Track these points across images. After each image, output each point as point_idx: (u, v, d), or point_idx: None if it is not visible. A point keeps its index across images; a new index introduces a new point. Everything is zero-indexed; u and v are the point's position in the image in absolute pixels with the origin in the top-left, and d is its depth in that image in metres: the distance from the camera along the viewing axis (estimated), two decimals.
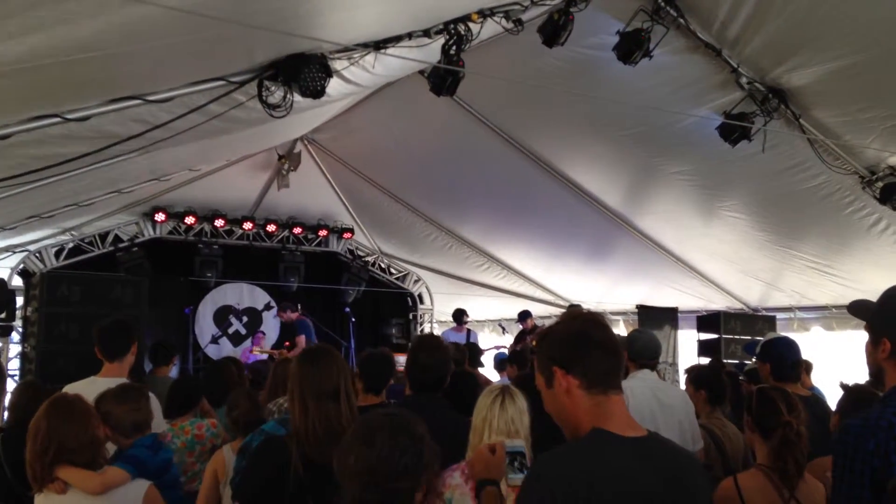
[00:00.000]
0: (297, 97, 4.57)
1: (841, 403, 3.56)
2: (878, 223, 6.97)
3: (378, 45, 4.69)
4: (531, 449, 2.57)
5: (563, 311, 11.51)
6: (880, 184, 6.33)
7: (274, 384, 4.13)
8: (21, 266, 10.02)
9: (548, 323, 10.69)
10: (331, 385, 2.73)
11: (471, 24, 5.04)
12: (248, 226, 12.06)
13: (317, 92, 4.52)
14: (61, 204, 7.80)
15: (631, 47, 5.47)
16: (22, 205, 6.56)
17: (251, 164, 10.16)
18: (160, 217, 11.14)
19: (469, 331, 11.57)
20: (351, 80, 4.90)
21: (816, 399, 4.26)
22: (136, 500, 2.98)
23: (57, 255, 10.44)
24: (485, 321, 14.51)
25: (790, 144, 6.37)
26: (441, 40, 5.02)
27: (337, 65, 4.65)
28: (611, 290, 11.57)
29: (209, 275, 11.88)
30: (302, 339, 10.10)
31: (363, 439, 1.93)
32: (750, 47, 5.55)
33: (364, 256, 13.68)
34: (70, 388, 3.77)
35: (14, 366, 8.98)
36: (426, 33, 4.92)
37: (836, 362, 8.22)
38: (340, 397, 2.73)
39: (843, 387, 3.72)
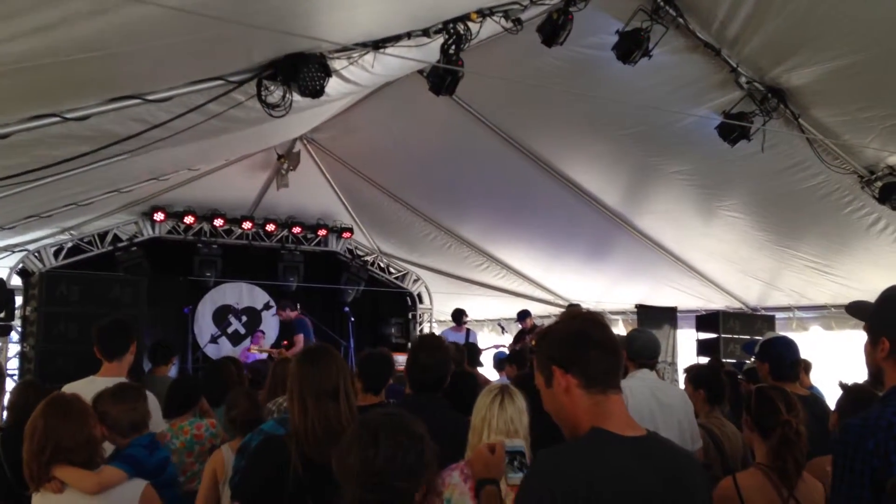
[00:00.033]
0: (297, 97, 4.57)
1: (840, 403, 3.56)
2: (878, 223, 6.97)
3: (377, 45, 4.69)
4: (530, 448, 2.57)
5: (563, 310, 11.51)
6: (879, 183, 6.33)
7: (273, 384, 4.13)
8: (20, 265, 10.02)
9: (547, 322, 10.70)
10: (330, 384, 2.73)
11: (470, 24, 5.04)
12: (247, 225, 12.06)
13: (316, 91, 4.52)
14: (60, 203, 7.79)
15: (630, 47, 5.47)
16: (21, 204, 6.55)
17: (250, 163, 10.16)
18: (159, 217, 11.13)
19: (468, 330, 11.59)
20: (350, 79, 4.90)
21: (815, 398, 4.27)
22: (132, 499, 2.97)
23: (56, 254, 10.44)
24: (484, 321, 14.51)
25: (789, 144, 6.37)
26: (440, 40, 5.02)
27: (336, 64, 4.65)
28: (610, 290, 11.58)
29: (208, 274, 11.88)
30: (300, 339, 10.11)
31: (364, 439, 1.93)
32: (749, 47, 5.55)
33: (363, 256, 13.68)
34: (69, 388, 3.77)
35: (13, 365, 8.97)
36: (425, 33, 4.92)
37: (835, 362, 8.22)
38: (340, 397, 2.73)
39: (842, 386, 3.72)
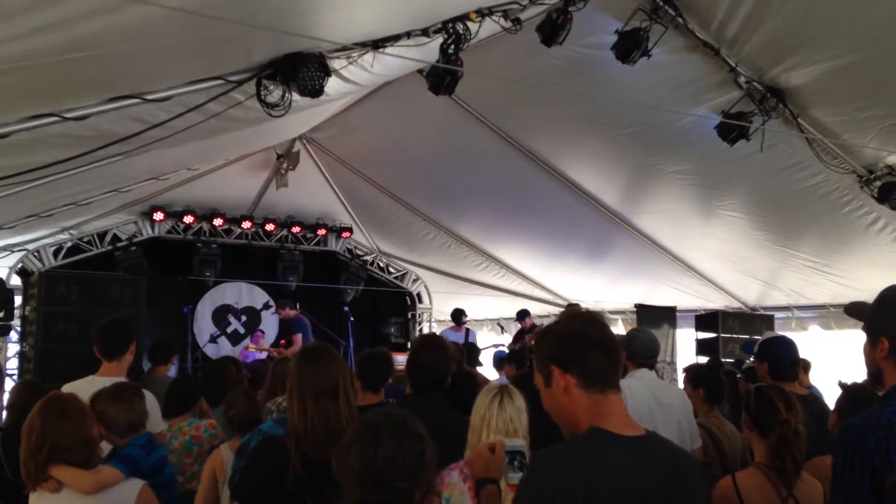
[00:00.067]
0: (296, 96, 4.57)
1: (839, 402, 3.56)
2: (876, 222, 6.97)
3: (376, 45, 4.69)
4: (530, 448, 2.57)
5: (562, 310, 11.51)
6: (878, 183, 6.34)
7: (273, 383, 4.13)
8: (19, 265, 10.02)
9: (546, 322, 10.70)
10: (330, 384, 2.73)
11: (469, 24, 5.04)
12: (246, 225, 12.06)
13: (315, 91, 4.52)
14: (60, 203, 7.80)
15: (629, 46, 5.48)
16: (20, 204, 6.55)
17: (250, 163, 10.16)
18: (159, 216, 11.13)
19: (467, 330, 11.59)
20: (349, 79, 4.90)
21: (814, 398, 4.28)
22: (129, 499, 2.97)
23: (55, 254, 10.45)
24: (483, 320, 14.52)
25: (788, 144, 6.38)
26: (439, 39, 5.02)
27: (335, 64, 4.65)
28: (609, 289, 11.58)
29: (208, 274, 11.88)
30: (298, 338, 10.11)
31: (365, 439, 1.93)
32: (748, 46, 5.55)
33: (363, 255, 13.69)
34: (68, 388, 3.77)
35: (12, 365, 8.98)
36: (425, 32, 4.92)
37: (834, 361, 8.23)
38: (339, 396, 2.73)
39: (842, 386, 3.72)
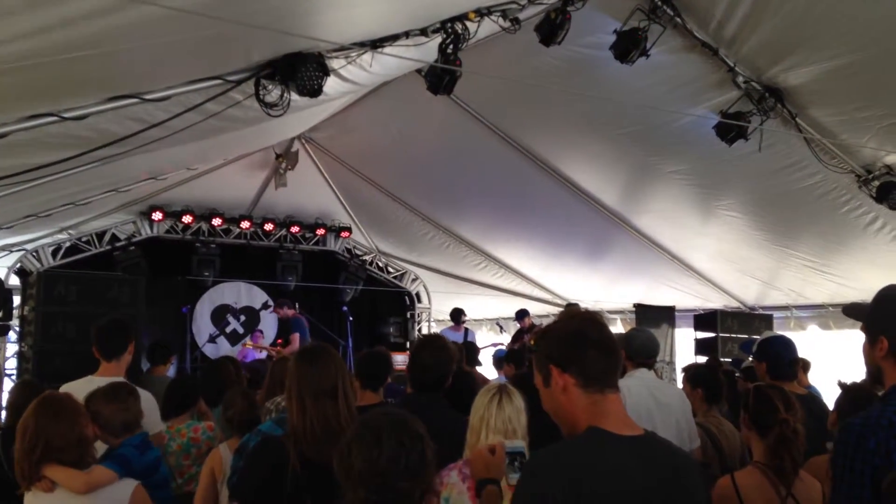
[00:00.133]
0: (295, 96, 4.57)
1: (839, 402, 3.57)
2: (875, 222, 6.98)
3: (375, 44, 4.69)
4: (529, 448, 2.57)
5: (561, 309, 11.51)
6: (876, 183, 6.34)
7: (272, 383, 4.14)
8: (18, 265, 10.01)
9: (545, 322, 10.71)
10: (329, 384, 2.73)
11: (468, 23, 5.04)
12: (245, 225, 12.06)
13: (314, 91, 4.51)
14: (58, 203, 7.79)
15: (628, 46, 5.48)
16: (19, 204, 6.55)
17: (248, 162, 10.16)
18: (157, 216, 11.11)
19: (466, 329, 11.60)
20: (348, 78, 4.90)
21: (813, 397, 4.28)
22: (122, 499, 2.97)
23: (54, 254, 10.44)
24: (482, 320, 14.52)
25: (787, 143, 6.38)
26: (438, 39, 5.02)
27: (334, 63, 4.65)
28: (608, 289, 11.58)
29: (206, 274, 11.88)
30: (296, 337, 10.11)
31: (366, 440, 1.93)
32: (747, 46, 5.56)
33: (362, 255, 13.68)
34: (68, 388, 3.77)
35: (11, 365, 8.97)
36: (423, 32, 4.92)
37: (833, 361, 8.23)
38: (338, 396, 2.73)
39: (842, 386, 3.73)
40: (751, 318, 9.92)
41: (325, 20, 4.28)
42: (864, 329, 2.28)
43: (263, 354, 10.89)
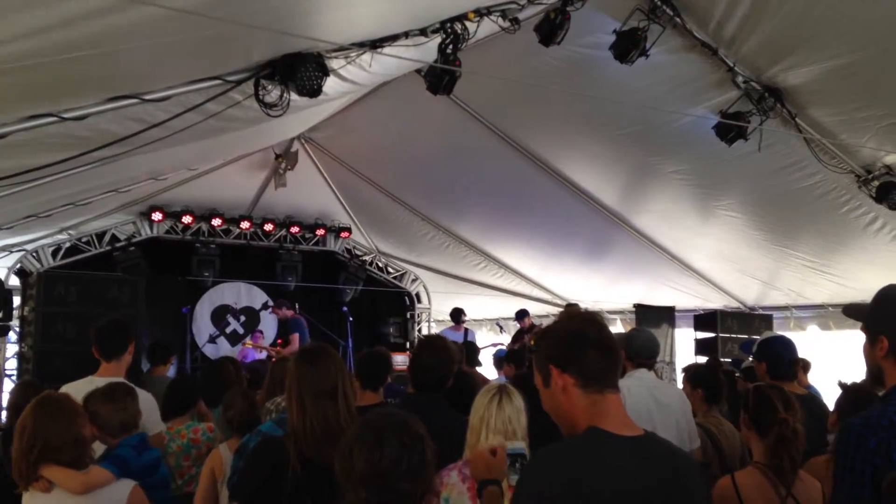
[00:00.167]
0: (294, 96, 4.57)
1: (839, 402, 3.57)
2: (874, 222, 6.98)
3: (375, 45, 4.69)
4: (529, 449, 2.57)
5: (561, 309, 11.51)
6: (876, 183, 6.34)
7: (272, 383, 4.13)
8: (18, 266, 10.02)
9: (545, 322, 10.70)
10: (329, 384, 2.73)
11: (467, 23, 5.04)
12: (245, 225, 12.06)
13: (313, 91, 4.51)
14: (58, 203, 7.79)
15: (627, 46, 5.48)
16: (19, 204, 6.55)
17: (248, 163, 10.16)
18: (157, 216, 11.12)
19: (466, 329, 11.60)
20: (348, 78, 4.90)
21: (812, 397, 4.29)
22: (120, 500, 2.96)
23: (54, 254, 10.45)
24: (482, 320, 14.51)
25: (786, 143, 6.38)
26: (438, 39, 5.02)
27: (334, 64, 4.65)
28: (608, 289, 11.58)
29: (206, 274, 11.88)
30: (295, 338, 10.11)
31: (367, 441, 1.92)
32: (746, 46, 5.56)
33: (361, 255, 13.69)
34: (68, 388, 3.77)
35: (11, 366, 8.97)
36: (423, 32, 4.92)
37: (833, 361, 8.23)
38: (338, 397, 2.73)
39: (842, 386, 3.73)
40: (751, 319, 9.93)
41: (325, 20, 4.28)
42: (864, 329, 2.28)
43: (263, 355, 10.91)
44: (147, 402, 4.05)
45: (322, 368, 2.77)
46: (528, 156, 8.36)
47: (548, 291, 12.69)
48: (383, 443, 1.90)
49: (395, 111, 8.23)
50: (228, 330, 12.36)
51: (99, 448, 3.37)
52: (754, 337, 7.87)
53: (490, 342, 11.96)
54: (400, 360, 10.75)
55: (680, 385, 5.06)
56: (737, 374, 6.15)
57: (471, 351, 8.12)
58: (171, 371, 7.83)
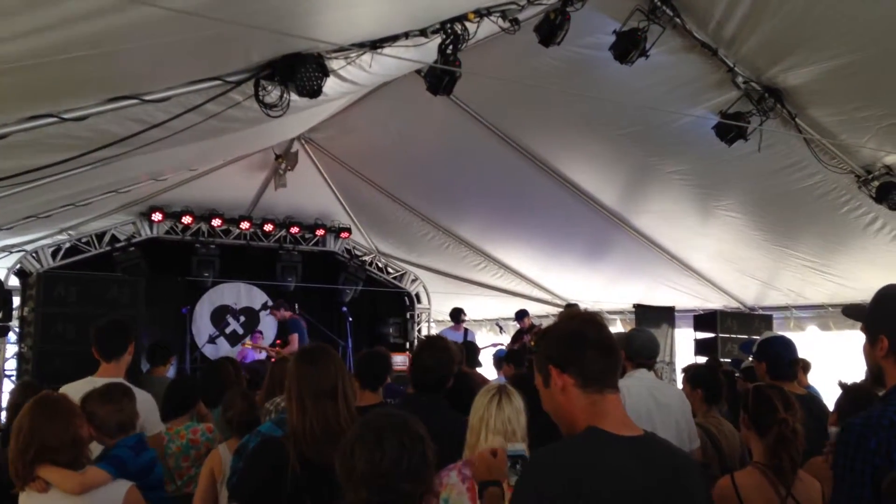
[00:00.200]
0: (294, 96, 4.57)
1: (839, 402, 3.56)
2: (874, 222, 6.98)
3: (374, 45, 4.69)
4: (528, 449, 2.58)
5: (560, 309, 11.52)
6: (876, 183, 6.34)
7: (271, 384, 4.13)
8: (18, 266, 10.01)
9: (545, 322, 10.70)
10: (329, 384, 2.73)
11: (467, 24, 5.03)
12: (245, 225, 12.05)
13: (313, 91, 4.51)
14: (58, 204, 7.79)
15: (627, 47, 5.48)
16: (19, 205, 6.55)
17: (248, 163, 10.16)
18: (157, 217, 11.11)
19: (466, 329, 11.59)
20: (348, 79, 4.90)
21: (812, 398, 4.29)
22: (116, 500, 2.97)
23: (54, 255, 10.44)
24: (482, 320, 14.52)
25: (786, 144, 6.38)
26: (438, 40, 5.02)
27: (334, 64, 4.64)
28: (608, 289, 11.58)
29: (206, 274, 11.88)
30: (294, 338, 10.11)
31: (368, 441, 1.92)
32: (746, 47, 5.56)
33: (361, 256, 13.68)
34: (67, 389, 3.78)
35: (11, 366, 8.97)
36: (423, 33, 4.91)
37: (832, 361, 8.24)
38: (338, 397, 2.73)
39: (842, 386, 3.73)
40: (750, 319, 9.93)
41: (325, 21, 4.28)
42: (863, 329, 2.28)
43: (263, 355, 10.90)
44: (146, 402, 4.05)
45: (322, 368, 2.77)
46: (527, 156, 8.36)
47: (547, 292, 12.69)
48: (384, 443, 1.90)
49: (395, 111, 8.23)
50: (228, 330, 12.36)
51: (97, 449, 3.37)
52: (754, 337, 7.87)
53: (490, 342, 11.96)
54: (399, 360, 10.75)
55: (680, 385, 5.06)
56: (736, 375, 6.15)
57: (471, 351, 8.12)
58: (170, 371, 7.83)
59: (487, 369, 9.47)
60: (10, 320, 8.45)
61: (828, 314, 9.14)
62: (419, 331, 14.38)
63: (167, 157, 6.52)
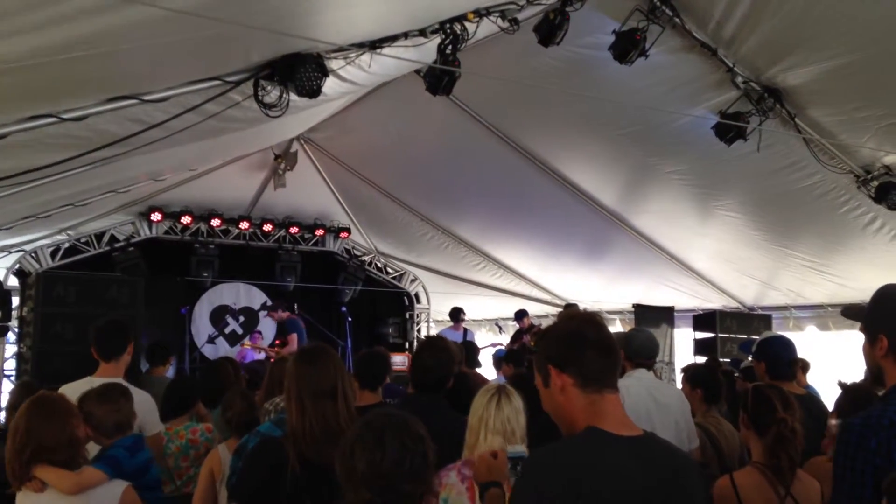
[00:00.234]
0: (294, 97, 4.57)
1: (839, 402, 3.56)
2: (873, 222, 6.98)
3: (374, 45, 4.69)
4: (528, 449, 2.58)
5: (560, 309, 11.52)
6: (875, 183, 6.34)
7: (270, 384, 4.13)
8: (17, 266, 10.00)
9: (544, 322, 10.70)
10: (328, 384, 2.73)
11: (467, 24, 5.03)
12: (244, 225, 12.04)
13: (313, 91, 4.51)
14: (57, 204, 7.78)
15: (627, 47, 5.48)
16: (18, 205, 6.54)
17: (247, 163, 10.15)
18: (156, 217, 11.09)
19: (465, 329, 11.59)
20: (347, 79, 4.90)
21: (811, 397, 4.29)
22: (112, 500, 2.97)
23: (53, 255, 10.44)
24: (482, 320, 14.52)
25: (785, 144, 6.38)
26: (437, 40, 5.02)
27: (333, 64, 4.64)
28: (607, 289, 11.59)
29: (205, 274, 11.87)
30: (293, 338, 10.11)
31: (369, 441, 1.92)
32: (745, 47, 5.56)
33: (360, 256, 13.68)
34: (66, 389, 3.78)
35: (10, 366, 8.97)
36: (422, 33, 4.91)
37: (831, 361, 8.24)
38: (338, 397, 2.73)
39: (842, 386, 3.73)
40: (750, 319, 9.93)
41: (324, 21, 4.27)
42: (863, 329, 2.28)
43: (262, 355, 10.90)
44: (146, 402, 4.05)
45: (321, 368, 2.77)
46: (527, 156, 8.36)
47: (547, 292, 12.69)
48: (385, 443, 1.90)
49: (395, 112, 8.23)
50: (227, 330, 12.36)
51: (94, 449, 3.37)
52: (753, 337, 7.87)
53: (489, 342, 11.96)
54: (399, 360, 10.75)
55: (679, 385, 5.06)
56: (736, 374, 6.15)
57: (471, 351, 8.13)
58: (170, 371, 7.83)
59: (487, 369, 9.47)
60: (10, 320, 8.45)
61: (827, 314, 9.15)
62: (418, 331, 14.37)
63: (166, 157, 6.52)
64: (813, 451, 3.14)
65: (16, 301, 8.94)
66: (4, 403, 8.14)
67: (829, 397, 4.02)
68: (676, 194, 8.06)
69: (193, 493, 3.71)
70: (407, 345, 13.89)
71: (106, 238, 10.95)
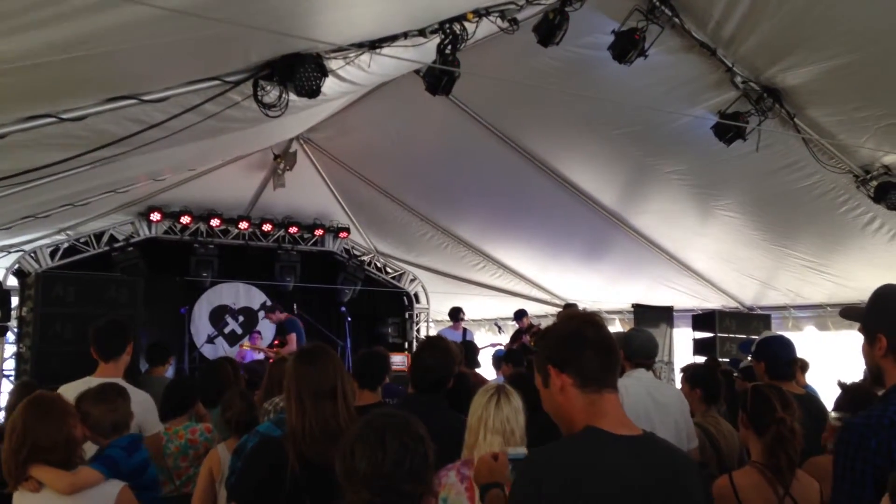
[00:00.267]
0: (293, 97, 4.57)
1: (839, 402, 3.57)
2: (873, 222, 6.98)
3: (373, 45, 4.69)
4: (526, 448, 2.58)
5: (559, 309, 11.52)
6: (874, 183, 6.34)
7: (270, 384, 4.13)
8: (16, 266, 10.00)
9: (543, 322, 10.70)
10: (328, 384, 2.73)
11: (466, 24, 5.04)
12: (243, 225, 12.04)
13: (312, 91, 4.51)
14: (57, 204, 7.78)
15: (626, 47, 5.48)
16: (17, 204, 6.54)
17: (247, 163, 10.16)
18: (156, 217, 11.09)
19: (465, 329, 11.59)
20: (347, 79, 4.90)
21: (811, 397, 4.29)
22: (108, 501, 2.96)
23: (52, 255, 10.43)
24: (481, 320, 14.52)
25: (785, 144, 6.38)
26: (436, 40, 5.02)
27: (332, 64, 4.64)
28: (606, 289, 11.59)
29: (205, 274, 11.86)
30: (292, 338, 10.11)
31: (370, 441, 1.92)
32: (745, 47, 5.56)
33: (360, 256, 13.68)
34: (65, 389, 3.77)
35: (9, 366, 8.96)
36: (422, 33, 4.91)
37: (831, 361, 8.24)
38: (337, 397, 2.73)
39: (841, 386, 3.73)
40: (749, 319, 9.93)
41: (324, 21, 4.27)
42: (862, 329, 2.28)
43: (262, 355, 10.90)
44: (145, 402, 4.05)
45: (321, 368, 2.77)
46: (526, 156, 8.36)
47: (546, 291, 12.70)
48: (385, 444, 1.90)
49: (394, 112, 8.23)
50: (227, 330, 12.36)
51: (91, 449, 3.37)
52: (753, 337, 7.89)
53: (489, 342, 11.95)
54: (398, 360, 10.75)
55: (678, 385, 5.07)
56: (735, 374, 6.15)
57: (470, 351, 8.12)
58: (169, 371, 7.82)
59: (486, 369, 9.46)
60: (9, 320, 8.45)
61: (826, 314, 9.15)
62: (418, 331, 14.38)
63: (166, 157, 6.52)
64: (812, 450, 3.14)
65: (15, 301, 8.93)
66: (4, 403, 8.13)
67: (829, 397, 4.02)
68: (676, 194, 8.06)
69: (193, 493, 3.71)
70: (406, 345, 13.89)
71: (105, 238, 10.94)
